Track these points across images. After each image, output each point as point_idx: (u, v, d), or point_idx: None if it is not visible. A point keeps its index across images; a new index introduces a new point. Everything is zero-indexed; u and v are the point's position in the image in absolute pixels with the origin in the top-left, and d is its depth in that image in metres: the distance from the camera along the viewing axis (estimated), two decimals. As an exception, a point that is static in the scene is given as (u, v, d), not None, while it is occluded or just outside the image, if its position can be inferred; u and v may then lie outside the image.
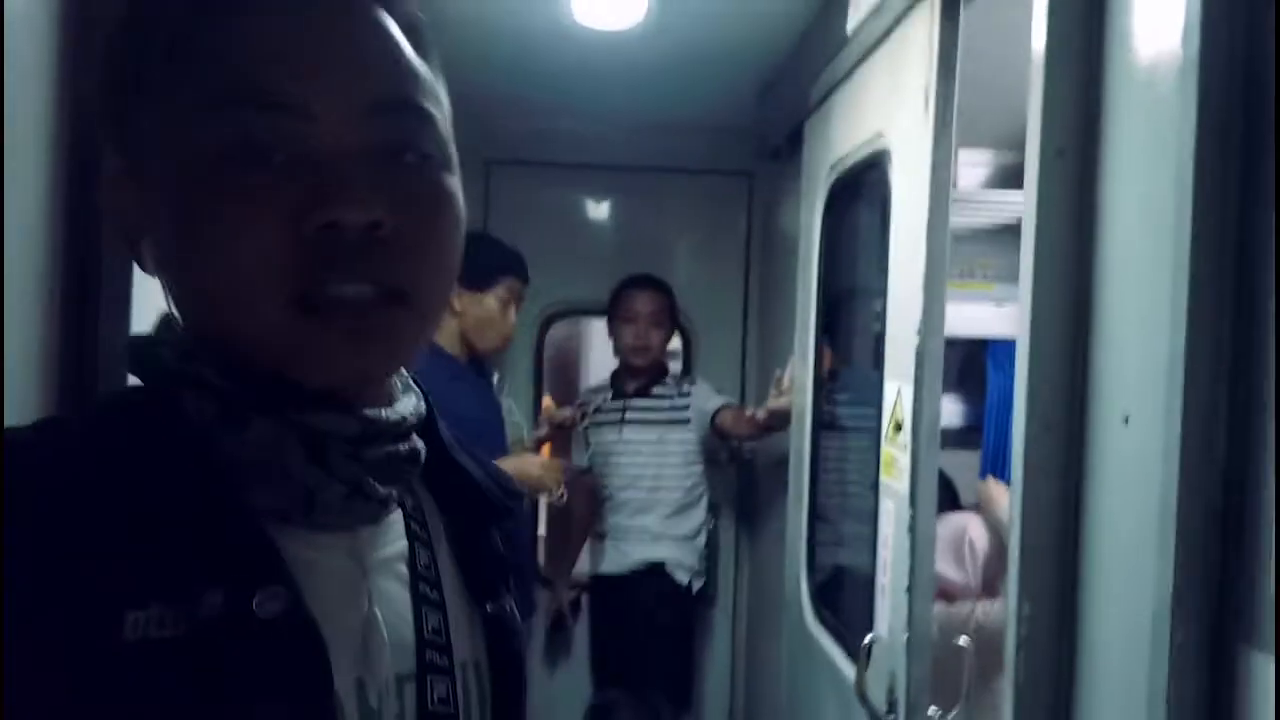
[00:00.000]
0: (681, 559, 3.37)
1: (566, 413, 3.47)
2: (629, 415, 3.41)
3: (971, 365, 3.29)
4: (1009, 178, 2.99)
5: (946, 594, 2.49)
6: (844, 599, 2.45)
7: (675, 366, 3.74)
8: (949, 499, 2.75)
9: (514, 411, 3.30)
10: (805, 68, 2.68)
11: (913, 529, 1.75)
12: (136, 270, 0.71)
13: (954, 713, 1.69)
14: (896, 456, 1.85)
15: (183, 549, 0.59)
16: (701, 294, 3.80)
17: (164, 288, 0.67)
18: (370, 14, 0.66)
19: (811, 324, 2.62)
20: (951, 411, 3.24)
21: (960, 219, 2.00)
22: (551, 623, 3.69)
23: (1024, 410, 1.23)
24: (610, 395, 3.47)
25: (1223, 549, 0.96)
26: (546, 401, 3.66)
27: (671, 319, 3.49)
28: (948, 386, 1.81)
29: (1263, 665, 0.91)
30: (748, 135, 3.61)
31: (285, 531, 0.64)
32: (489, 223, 3.70)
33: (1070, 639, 1.20)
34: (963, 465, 3.00)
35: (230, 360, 0.64)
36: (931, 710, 1.72)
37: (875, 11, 2.01)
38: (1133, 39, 1.12)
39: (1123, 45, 1.14)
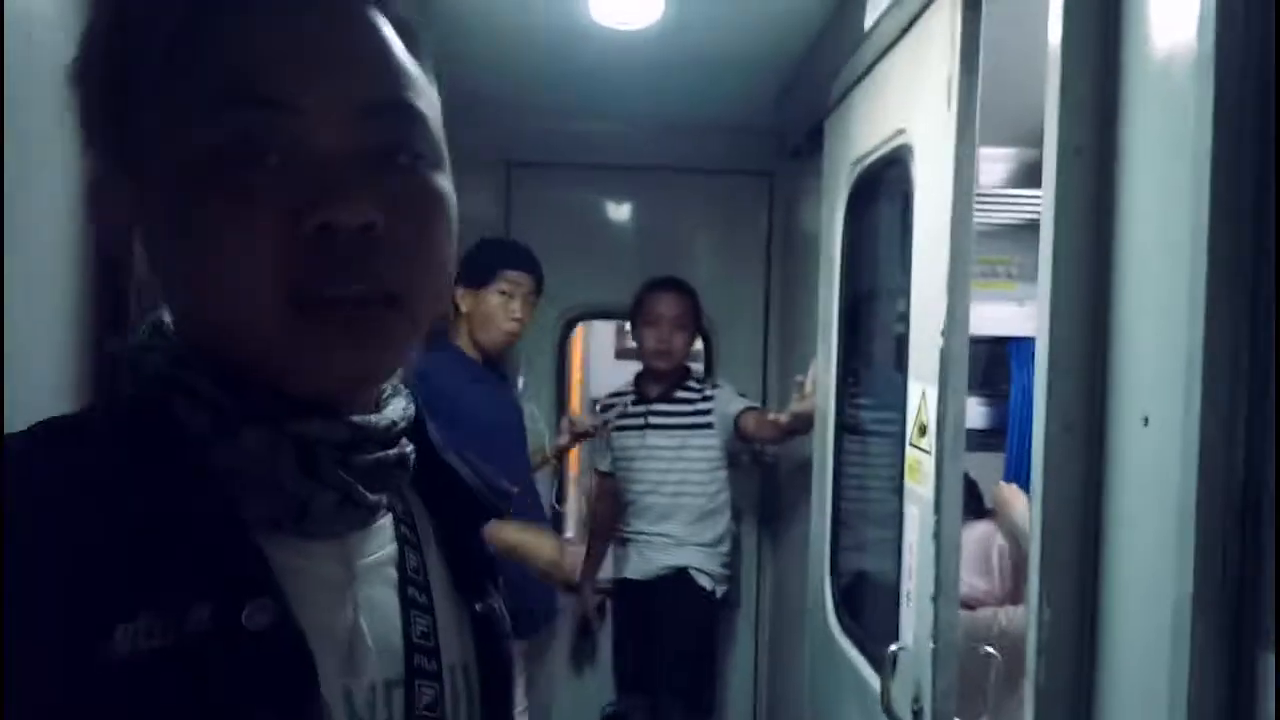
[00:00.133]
0: (705, 565, 3.34)
1: (589, 422, 3.46)
2: (651, 420, 3.39)
3: (995, 366, 3.26)
4: (1030, 175, 2.96)
5: (971, 602, 2.47)
6: (868, 605, 2.43)
7: (696, 368, 3.73)
8: (973, 504, 2.72)
9: (537, 419, 3.29)
10: (824, 65, 2.66)
11: (938, 535, 1.71)
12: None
13: (979, 722, 1.67)
14: (921, 460, 1.82)
15: (172, 559, 0.59)
16: (722, 294, 3.79)
17: (158, 290, 0.67)
18: (363, 15, 0.66)
19: (834, 325, 2.60)
20: (975, 413, 3.21)
21: (982, 217, 1.98)
22: (577, 627, 3.69)
23: (1043, 412, 1.22)
24: (633, 399, 3.46)
25: (1243, 551, 0.95)
26: (574, 408, 3.63)
27: (695, 322, 3.46)
28: (971, 388, 1.78)
29: (1285, 670, 0.89)
30: (767, 134, 3.60)
31: (274, 539, 0.64)
32: (510, 224, 3.72)
33: (1091, 642, 1.19)
34: (987, 468, 2.97)
35: (223, 367, 0.64)
36: (956, 721, 1.70)
37: (894, 6, 1.99)
38: (1148, 33, 1.11)
39: (1138, 40, 1.13)
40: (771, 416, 3.19)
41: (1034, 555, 1.24)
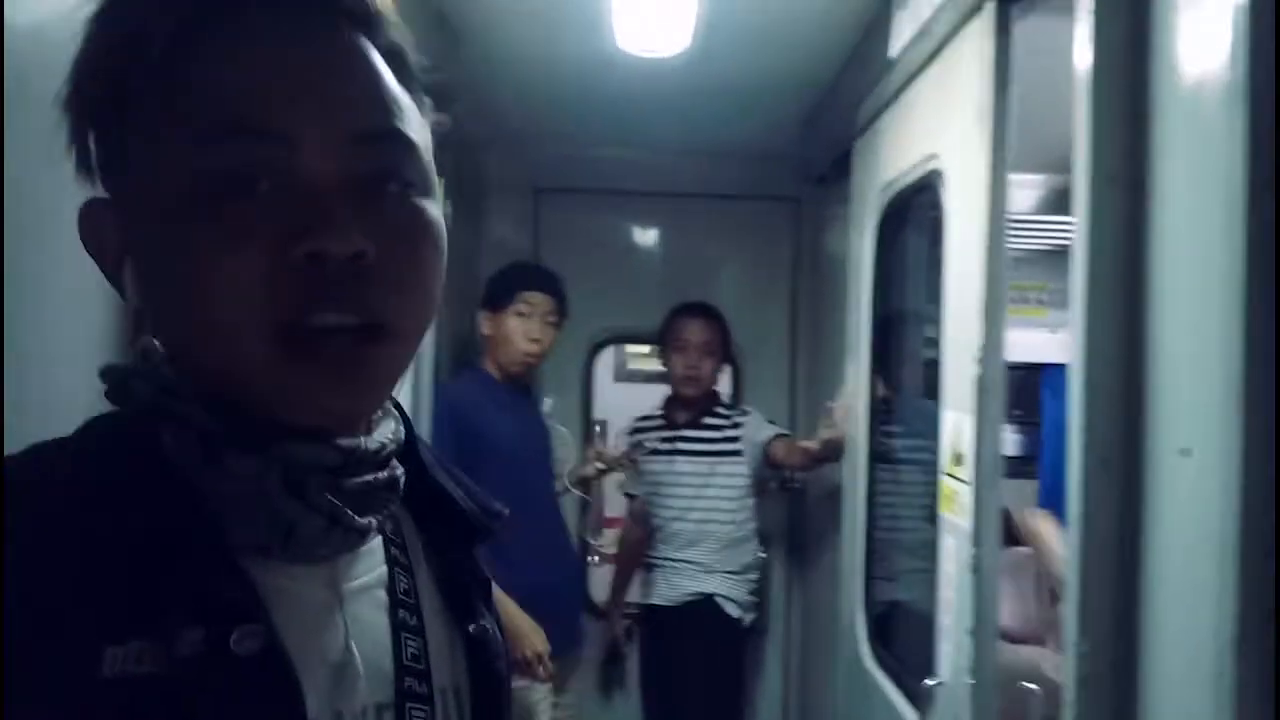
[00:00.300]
0: (732, 593, 3.32)
1: (616, 453, 3.45)
2: (680, 446, 3.37)
3: (1026, 392, 3.24)
4: (1059, 201, 2.95)
5: (1009, 633, 2.43)
6: (901, 637, 2.40)
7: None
8: (1006, 532, 2.70)
9: (567, 442, 3.29)
10: (850, 91, 2.66)
11: (976, 568, 1.68)
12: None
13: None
14: (957, 490, 1.79)
15: (161, 585, 0.59)
16: (748, 320, 3.77)
17: (143, 317, 0.67)
18: (353, 43, 0.66)
19: (864, 351, 2.58)
20: (1006, 440, 3.17)
21: (1011, 243, 1.97)
22: (605, 652, 3.67)
23: (1079, 445, 1.20)
24: (661, 425, 3.45)
25: (1285, 588, 0.93)
26: (608, 445, 3.60)
27: (724, 348, 3.44)
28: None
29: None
30: (793, 161, 3.60)
31: (262, 564, 0.64)
32: (539, 250, 3.73)
33: (1130, 677, 1.17)
34: (1018, 495, 2.94)
35: (212, 394, 0.64)
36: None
37: (920, 35, 1.99)
38: (1178, 61, 1.10)
39: (1168, 68, 1.12)
40: (802, 444, 3.17)
41: (1071, 588, 1.22)
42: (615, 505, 3.93)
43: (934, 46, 1.93)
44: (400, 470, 0.72)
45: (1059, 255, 2.90)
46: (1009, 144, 1.65)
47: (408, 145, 0.66)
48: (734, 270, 3.97)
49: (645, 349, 4.88)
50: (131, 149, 0.64)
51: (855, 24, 2.51)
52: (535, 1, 2.51)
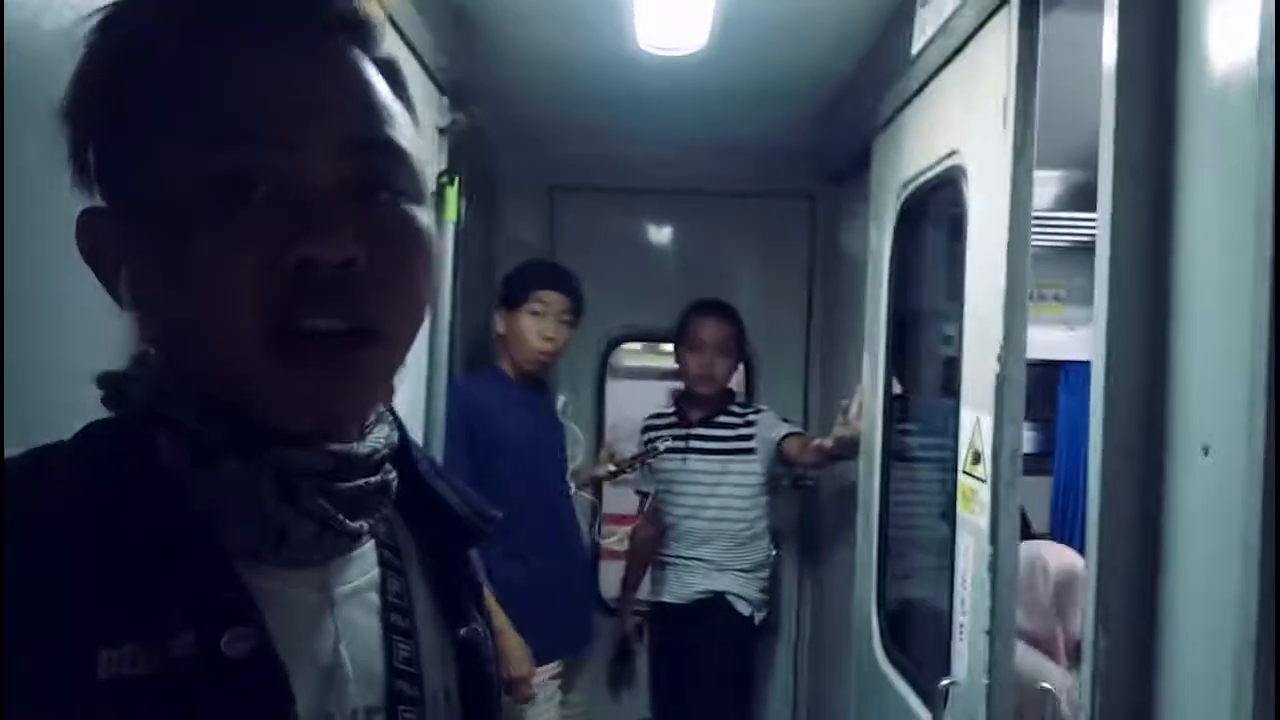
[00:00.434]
0: (744, 591, 3.32)
1: (630, 454, 3.45)
2: (693, 444, 3.37)
3: (1041, 389, 3.23)
4: (1078, 198, 2.94)
5: (1021, 634, 2.42)
6: (916, 636, 2.39)
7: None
8: (1021, 527, 2.69)
9: (580, 441, 3.29)
10: (869, 89, 2.66)
11: (993, 567, 1.67)
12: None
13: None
14: (975, 489, 1.79)
15: (155, 588, 0.60)
16: (763, 318, 3.77)
17: (138, 323, 0.68)
18: (347, 54, 0.68)
19: (881, 348, 2.58)
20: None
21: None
22: (615, 650, 3.68)
23: (1100, 441, 1.20)
24: (674, 422, 3.45)
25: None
26: (614, 448, 3.61)
27: (739, 347, 3.43)
28: (1019, 412, 1.74)
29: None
30: (809, 158, 3.60)
31: (255, 568, 0.65)
32: (554, 248, 3.74)
33: (1149, 675, 1.17)
34: (1033, 491, 2.94)
35: (206, 399, 0.65)
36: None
37: (943, 31, 1.98)
38: (1206, 56, 1.09)
39: (1196, 63, 1.12)
40: (816, 441, 3.16)
41: (1090, 584, 1.22)
42: (618, 503, 3.94)
43: (957, 43, 1.92)
44: (393, 474, 0.73)
45: (1075, 251, 2.90)
46: (1034, 140, 1.64)
47: (399, 153, 0.68)
48: (749, 268, 3.97)
49: (638, 346, 4.90)
50: (131, 158, 0.65)
51: (874, 20, 2.50)
52: (553, -1, 2.51)
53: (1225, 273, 1.04)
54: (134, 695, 0.57)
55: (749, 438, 3.33)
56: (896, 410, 2.59)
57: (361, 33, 0.69)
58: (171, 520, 0.62)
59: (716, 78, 2.97)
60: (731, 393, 3.49)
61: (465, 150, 2.52)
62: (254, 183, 0.62)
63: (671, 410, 3.49)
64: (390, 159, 0.67)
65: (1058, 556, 2.52)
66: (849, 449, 2.86)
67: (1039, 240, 2.83)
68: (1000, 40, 1.70)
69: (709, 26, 2.58)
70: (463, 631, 0.79)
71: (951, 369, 1.98)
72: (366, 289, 0.64)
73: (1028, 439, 3.22)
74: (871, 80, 2.66)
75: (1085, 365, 1.26)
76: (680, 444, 3.37)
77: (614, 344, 4.01)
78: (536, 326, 2.91)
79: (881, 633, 2.50)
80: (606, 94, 3.20)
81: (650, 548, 3.49)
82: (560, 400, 3.30)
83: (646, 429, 3.49)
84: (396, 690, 0.71)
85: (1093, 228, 1.24)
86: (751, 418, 3.37)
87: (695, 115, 3.40)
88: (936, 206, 2.30)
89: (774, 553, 3.47)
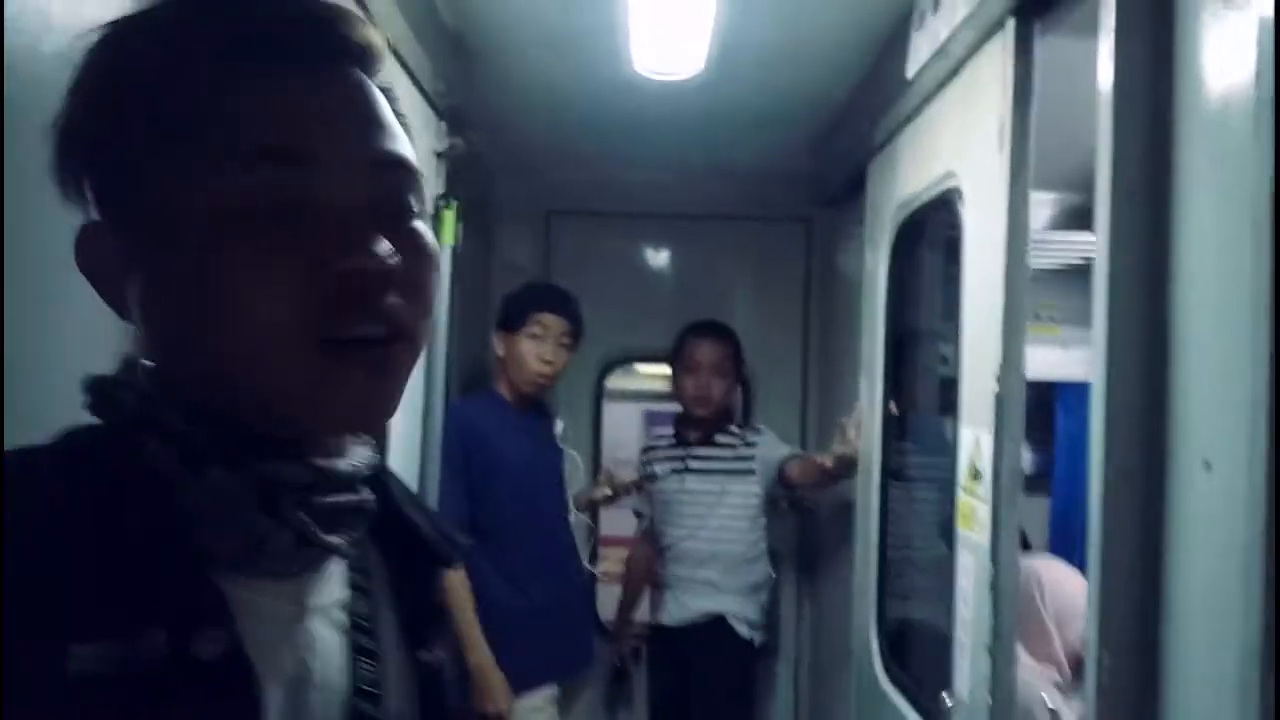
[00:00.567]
0: (743, 612, 3.30)
1: (628, 478, 3.45)
2: (691, 464, 3.36)
3: (1038, 409, 3.24)
4: (1072, 219, 2.96)
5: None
6: (916, 656, 2.39)
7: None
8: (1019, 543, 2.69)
9: (579, 467, 3.28)
10: (865, 113, 2.68)
11: (994, 586, 1.68)
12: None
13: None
14: (975, 507, 1.79)
15: (130, 589, 0.61)
16: (761, 340, 3.78)
17: (142, 333, 0.70)
18: (363, 79, 0.72)
19: (878, 368, 2.59)
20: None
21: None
22: (612, 673, 3.66)
23: (1100, 458, 1.20)
24: (672, 444, 3.44)
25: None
26: (616, 472, 3.61)
27: (735, 368, 3.42)
28: (1016, 432, 1.75)
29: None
30: (805, 181, 3.63)
31: (231, 576, 0.66)
32: (551, 272, 3.75)
33: (1153, 691, 1.17)
34: (1031, 511, 2.94)
35: (195, 408, 0.67)
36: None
37: (938, 55, 2.00)
38: (1202, 78, 1.11)
39: (1192, 85, 1.13)
40: (816, 459, 3.17)
41: (1092, 601, 1.22)
42: (612, 525, 3.94)
43: (952, 66, 1.94)
44: (370, 496, 0.75)
45: (1071, 273, 2.91)
46: (1029, 162, 1.65)
47: (414, 172, 0.72)
48: (746, 290, 3.99)
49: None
50: (137, 177, 0.67)
51: (869, 46, 2.53)
52: (550, 25, 2.52)
53: (1223, 291, 1.05)
54: (104, 693, 0.58)
55: (748, 459, 3.33)
56: (894, 430, 2.60)
57: (371, 60, 0.73)
58: (150, 521, 0.63)
59: (713, 103, 2.99)
60: (730, 414, 3.49)
61: (462, 175, 2.53)
62: (292, 197, 0.65)
63: (669, 433, 3.49)
64: (408, 176, 0.71)
65: (1052, 571, 2.52)
66: (848, 468, 2.86)
67: (1034, 261, 2.85)
68: (996, 64, 1.72)
69: (705, 52, 2.60)
70: (425, 657, 0.80)
71: (948, 389, 1.99)
72: (398, 296, 0.67)
73: (1025, 460, 3.23)
74: (868, 104, 2.68)
75: (1081, 386, 1.27)
76: (679, 465, 3.37)
77: (611, 366, 4.02)
78: (536, 350, 2.91)
79: (881, 651, 2.50)
80: (603, 120, 3.22)
81: (646, 569, 3.48)
82: (559, 425, 3.30)
83: (645, 451, 3.49)
84: (359, 710, 0.72)
85: (1087, 249, 1.25)
86: (751, 439, 3.37)
87: (692, 140, 3.42)
88: (932, 228, 2.31)
89: (773, 574, 3.46)
